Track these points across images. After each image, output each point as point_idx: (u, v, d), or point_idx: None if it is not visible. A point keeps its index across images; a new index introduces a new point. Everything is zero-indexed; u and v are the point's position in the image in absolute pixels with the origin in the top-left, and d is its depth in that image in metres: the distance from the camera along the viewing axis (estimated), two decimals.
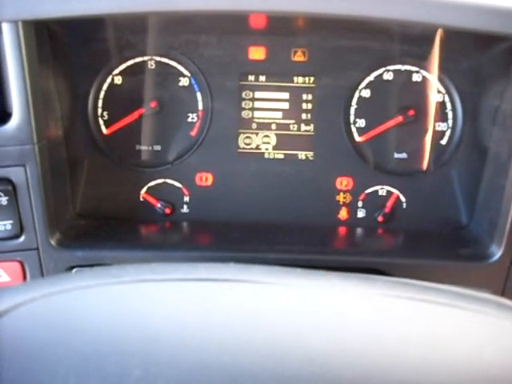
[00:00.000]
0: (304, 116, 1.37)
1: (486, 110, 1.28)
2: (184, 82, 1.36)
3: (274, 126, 1.38)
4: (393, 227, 1.38)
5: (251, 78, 1.36)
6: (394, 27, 1.28)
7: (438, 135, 1.38)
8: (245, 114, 1.37)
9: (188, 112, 1.37)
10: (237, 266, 0.66)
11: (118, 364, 0.52)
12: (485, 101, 1.29)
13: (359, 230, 1.38)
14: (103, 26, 1.30)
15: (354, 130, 1.38)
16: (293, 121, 1.37)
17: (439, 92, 1.36)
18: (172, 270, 0.64)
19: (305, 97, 1.37)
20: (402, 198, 1.39)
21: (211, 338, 0.55)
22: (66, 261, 1.17)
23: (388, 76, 1.36)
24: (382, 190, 1.39)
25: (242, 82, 1.36)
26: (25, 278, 1.16)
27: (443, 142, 1.38)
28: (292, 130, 1.38)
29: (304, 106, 1.37)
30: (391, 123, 1.36)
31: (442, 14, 1.04)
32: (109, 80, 1.35)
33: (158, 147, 1.37)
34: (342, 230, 1.38)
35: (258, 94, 1.37)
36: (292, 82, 1.36)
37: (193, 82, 1.36)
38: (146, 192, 1.38)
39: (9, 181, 1.10)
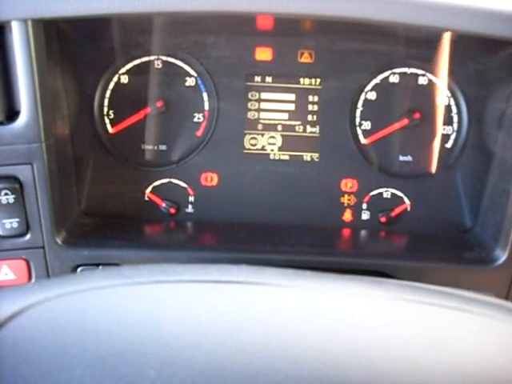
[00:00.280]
0: (310, 117, 1.37)
1: (492, 113, 1.28)
2: (190, 82, 1.36)
3: (279, 127, 1.38)
4: (397, 230, 1.39)
5: (258, 78, 1.36)
6: (401, 30, 1.28)
7: (444, 138, 1.38)
8: (251, 114, 1.37)
9: (194, 112, 1.37)
10: (249, 268, 0.67)
11: (133, 365, 0.52)
12: (491, 105, 1.29)
13: (363, 232, 1.38)
14: (111, 26, 1.30)
15: (359, 132, 1.38)
16: (299, 122, 1.38)
17: (445, 95, 1.36)
18: (185, 271, 0.64)
19: (311, 98, 1.37)
20: (407, 201, 1.39)
21: (225, 339, 0.55)
22: (71, 259, 1.17)
23: (394, 79, 1.36)
24: (387, 192, 1.39)
25: (248, 83, 1.36)
26: (30, 276, 1.16)
27: (448, 145, 1.38)
28: (298, 132, 1.38)
29: (310, 107, 1.37)
30: (397, 126, 1.36)
31: (449, 18, 1.05)
32: (115, 79, 1.35)
33: (163, 147, 1.37)
34: (347, 231, 1.38)
35: (264, 95, 1.37)
36: (298, 83, 1.37)
37: (199, 82, 1.36)
38: (151, 191, 1.38)
39: (16, 179, 1.10)
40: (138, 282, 0.61)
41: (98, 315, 0.58)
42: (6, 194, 1.09)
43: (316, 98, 1.37)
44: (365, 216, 1.40)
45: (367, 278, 0.67)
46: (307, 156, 1.38)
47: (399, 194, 1.39)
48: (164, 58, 1.35)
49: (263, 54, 1.36)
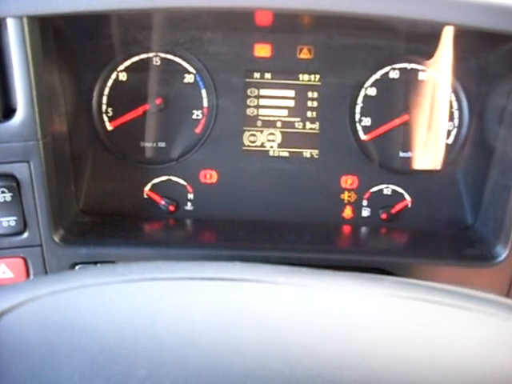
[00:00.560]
0: (309, 114, 1.37)
1: (493, 109, 1.27)
2: (189, 78, 1.35)
3: (279, 124, 1.37)
4: (397, 226, 1.38)
5: (257, 75, 1.36)
6: (401, 25, 1.27)
7: (444, 134, 1.36)
8: (250, 111, 1.37)
9: (193, 109, 1.36)
10: (244, 265, 0.66)
11: (124, 364, 0.51)
12: (491, 100, 1.28)
13: (364, 229, 1.37)
14: (108, 22, 1.29)
15: (359, 128, 1.37)
16: (298, 119, 1.37)
17: (445, 91, 1.35)
18: (179, 269, 0.63)
19: (310, 94, 1.36)
20: (407, 198, 1.38)
21: (218, 338, 0.55)
22: (69, 257, 1.16)
23: (394, 74, 1.35)
24: (387, 188, 1.38)
25: (247, 80, 1.36)
26: (28, 274, 1.16)
27: (449, 141, 1.37)
28: (297, 128, 1.37)
29: (309, 103, 1.36)
30: (397, 122, 1.35)
31: (448, 12, 1.04)
32: (113, 76, 1.34)
33: (162, 144, 1.37)
34: (347, 228, 1.37)
35: (263, 92, 1.36)
36: (297, 79, 1.36)
37: (198, 78, 1.35)
38: (150, 189, 1.38)
39: (13, 177, 1.09)
40: (131, 279, 0.61)
41: (89, 313, 0.57)
42: (2, 192, 1.08)
43: (315, 95, 1.36)
44: (365, 213, 1.39)
45: (364, 275, 0.66)
46: (307, 153, 1.37)
47: (400, 190, 1.38)
48: (162, 55, 1.34)
49: (262, 50, 1.35)
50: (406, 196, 1.38)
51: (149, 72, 1.35)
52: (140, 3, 1.03)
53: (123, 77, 1.35)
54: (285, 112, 1.37)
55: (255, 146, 1.38)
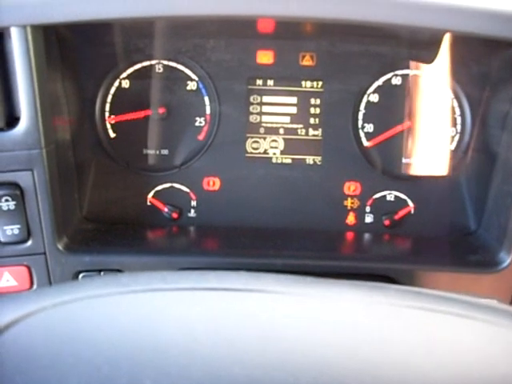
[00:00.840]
0: (312, 120, 1.37)
1: (496, 115, 1.27)
2: (192, 86, 1.35)
3: (281, 131, 1.37)
4: (400, 233, 1.38)
5: (259, 82, 1.36)
6: (403, 32, 1.27)
7: (447, 140, 1.36)
8: (253, 118, 1.37)
9: (195, 116, 1.36)
10: (248, 275, 0.66)
11: (129, 375, 0.51)
12: (494, 106, 1.28)
13: (367, 236, 1.37)
14: (111, 30, 1.29)
15: (362, 134, 1.37)
16: (301, 125, 1.37)
17: (448, 97, 1.35)
18: (183, 279, 0.63)
19: (313, 101, 1.36)
20: (410, 204, 1.38)
21: (222, 348, 0.55)
22: (73, 265, 1.16)
23: (396, 81, 1.35)
24: (390, 195, 1.38)
25: (249, 86, 1.36)
26: (32, 282, 1.16)
27: (452, 147, 1.37)
28: (300, 135, 1.37)
29: (312, 110, 1.36)
30: (399, 128, 1.35)
31: (450, 20, 1.04)
32: (116, 84, 1.35)
33: (165, 151, 1.37)
34: (350, 235, 1.37)
35: (265, 99, 1.36)
36: (300, 86, 1.36)
37: (200, 86, 1.35)
38: (153, 196, 1.38)
39: (16, 185, 1.09)
40: (135, 290, 0.61)
41: (94, 324, 0.57)
42: (6, 201, 1.08)
43: (318, 101, 1.36)
44: (368, 219, 1.39)
45: (367, 284, 0.66)
46: (310, 159, 1.37)
47: (403, 196, 1.38)
48: (165, 63, 1.34)
49: (264, 57, 1.35)
50: (409, 202, 1.38)
51: (151, 79, 1.35)
52: (142, 12, 1.03)
53: (126, 84, 1.35)
54: (287, 119, 1.37)
55: (258, 153, 1.38)
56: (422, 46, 1.32)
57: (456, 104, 1.35)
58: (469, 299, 0.66)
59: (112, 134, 1.36)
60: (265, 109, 1.37)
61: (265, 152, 1.38)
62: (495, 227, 1.24)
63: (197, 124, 1.36)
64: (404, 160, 1.37)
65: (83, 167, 1.32)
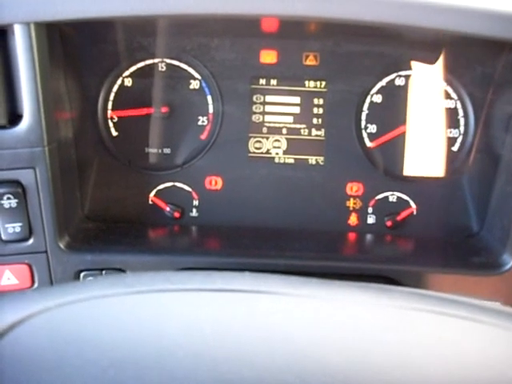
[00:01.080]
0: (315, 121, 1.36)
1: (499, 116, 1.27)
2: (194, 84, 1.35)
3: (284, 131, 1.37)
4: (403, 234, 1.37)
5: (262, 81, 1.35)
6: (407, 32, 1.26)
7: (450, 142, 1.36)
8: (255, 117, 1.36)
9: (198, 115, 1.36)
10: (254, 276, 0.65)
11: (135, 377, 0.51)
12: (497, 107, 1.28)
13: (369, 237, 1.36)
14: (114, 28, 1.29)
15: (365, 135, 1.37)
16: (304, 125, 1.36)
17: (451, 98, 1.35)
18: (188, 280, 0.63)
19: (316, 101, 1.36)
20: (413, 205, 1.37)
21: (229, 350, 0.54)
22: (74, 264, 1.16)
23: (400, 81, 1.35)
24: (393, 196, 1.38)
25: (253, 86, 1.35)
26: (33, 281, 1.15)
27: (455, 148, 1.37)
28: (303, 135, 1.37)
29: (315, 110, 1.36)
30: (402, 129, 1.35)
31: (456, 21, 1.03)
32: (119, 82, 1.34)
33: (167, 150, 1.36)
34: (352, 236, 1.37)
35: (268, 98, 1.36)
36: (303, 86, 1.35)
37: (203, 85, 1.35)
38: (155, 195, 1.37)
39: (18, 183, 1.09)
40: (140, 290, 0.60)
41: (100, 325, 0.57)
42: (8, 199, 1.08)
43: (321, 101, 1.36)
44: (370, 220, 1.38)
45: (373, 286, 0.65)
46: (312, 159, 1.37)
47: (405, 197, 1.37)
48: (168, 61, 1.34)
49: (268, 56, 1.35)
50: (412, 203, 1.38)
51: (154, 78, 1.34)
52: (146, 10, 1.03)
53: (129, 82, 1.34)
54: (290, 119, 1.37)
55: (261, 153, 1.37)
56: (426, 46, 1.32)
57: (459, 105, 1.35)
58: (473, 302, 0.66)
59: (114, 133, 1.36)
60: (268, 108, 1.36)
61: (267, 152, 1.37)
62: (498, 229, 1.24)
63: (199, 123, 1.36)
64: (407, 161, 1.37)
65: (85, 166, 1.31)
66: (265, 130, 1.37)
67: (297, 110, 1.36)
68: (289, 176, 1.37)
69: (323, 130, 1.36)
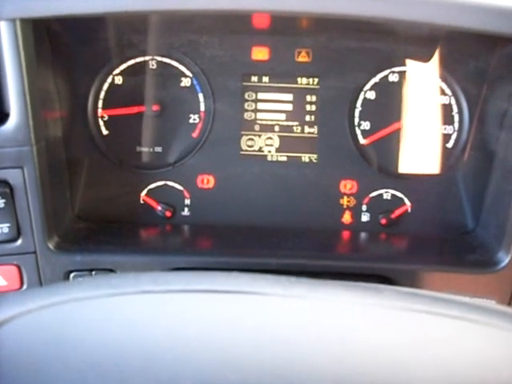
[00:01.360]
0: (308, 118, 1.35)
1: (494, 112, 1.26)
2: (186, 82, 1.33)
3: (277, 128, 1.35)
4: (397, 232, 1.36)
5: (254, 78, 1.34)
6: (400, 28, 1.26)
7: (444, 138, 1.35)
8: (247, 115, 1.35)
9: (189, 113, 1.34)
10: (240, 276, 0.64)
11: (116, 382, 0.49)
12: (492, 103, 1.27)
13: (363, 235, 1.35)
14: (104, 25, 1.27)
15: (358, 132, 1.35)
16: (296, 123, 1.35)
17: (445, 94, 1.34)
18: (174, 281, 0.61)
19: (309, 98, 1.34)
20: (407, 202, 1.36)
21: (215, 354, 0.53)
22: (64, 265, 1.14)
23: (393, 78, 1.34)
24: (387, 193, 1.36)
25: (244, 83, 1.34)
26: (22, 282, 1.14)
27: (449, 145, 1.35)
28: (295, 132, 1.35)
29: (308, 107, 1.35)
30: (396, 126, 1.34)
31: (449, 15, 1.02)
32: (109, 80, 1.32)
33: (158, 149, 1.35)
34: (346, 234, 1.36)
35: (261, 95, 1.34)
36: (296, 82, 1.34)
37: (195, 82, 1.33)
38: (147, 194, 1.36)
39: (6, 183, 1.07)
40: (125, 292, 0.59)
41: (82, 328, 0.55)
42: None
43: (314, 98, 1.34)
44: (365, 218, 1.37)
45: (364, 286, 0.64)
46: (305, 157, 1.36)
47: (399, 195, 1.36)
48: (158, 59, 1.32)
49: (260, 53, 1.33)
50: (406, 201, 1.36)
51: (145, 75, 1.33)
52: (135, 6, 1.01)
53: (119, 80, 1.33)
54: (283, 116, 1.35)
55: (253, 151, 1.36)
56: (420, 42, 1.31)
57: (454, 101, 1.34)
58: (468, 301, 0.64)
59: (105, 131, 1.34)
60: (260, 106, 1.35)
61: (260, 150, 1.36)
62: (493, 226, 1.23)
63: (191, 121, 1.34)
64: (401, 158, 1.36)
65: (75, 165, 1.29)
66: (257, 127, 1.35)
67: (289, 107, 1.35)
68: (281, 174, 1.36)
69: (316, 127, 1.35)
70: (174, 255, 1.19)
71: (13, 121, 1.04)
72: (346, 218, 1.37)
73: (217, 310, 0.58)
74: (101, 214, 1.33)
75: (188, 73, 1.33)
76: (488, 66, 1.27)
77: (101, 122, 1.34)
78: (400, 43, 1.32)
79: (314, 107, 1.34)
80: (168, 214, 1.35)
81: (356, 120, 1.35)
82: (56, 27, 1.17)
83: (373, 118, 1.35)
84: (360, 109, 1.34)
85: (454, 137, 1.35)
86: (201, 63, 1.32)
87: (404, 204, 1.36)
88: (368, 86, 1.34)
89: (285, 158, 1.36)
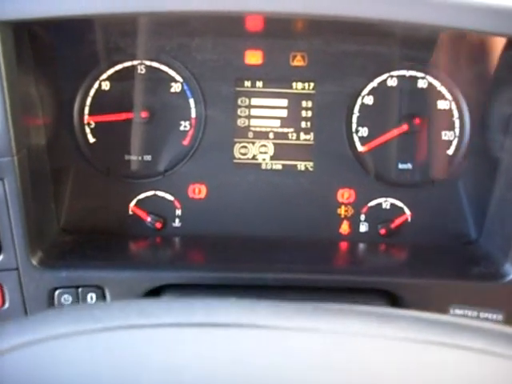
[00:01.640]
0: (303, 124, 1.31)
1: (497, 118, 1.23)
2: (176, 87, 1.30)
3: (271, 135, 1.32)
4: (397, 242, 1.33)
5: (247, 83, 1.31)
6: (399, 30, 1.23)
7: (445, 145, 1.32)
8: (241, 122, 1.31)
9: (180, 120, 1.31)
10: (239, 305, 0.58)
11: None
12: (495, 108, 1.24)
13: (362, 246, 1.32)
14: (90, 27, 1.24)
15: (356, 139, 1.32)
16: (291, 129, 1.32)
17: (446, 99, 1.31)
18: (164, 312, 0.56)
19: (304, 104, 1.31)
20: (407, 211, 1.32)
21: None
22: (48, 282, 1.10)
23: (392, 82, 1.31)
24: (386, 202, 1.33)
25: (237, 88, 1.31)
26: (4, 300, 1.09)
27: (450, 151, 1.32)
28: (291, 139, 1.32)
29: (303, 113, 1.31)
30: (395, 132, 1.30)
31: (447, 16, 1.00)
32: (96, 85, 1.29)
33: (148, 157, 1.31)
34: (344, 245, 1.32)
35: (254, 101, 1.31)
36: (291, 88, 1.31)
37: (185, 87, 1.30)
38: (136, 205, 1.32)
39: None
40: (109, 327, 0.53)
41: (61, 369, 0.49)
42: None
43: (310, 104, 1.31)
44: (363, 228, 1.33)
45: (375, 311, 0.58)
46: (301, 165, 1.32)
47: (399, 204, 1.33)
48: (148, 63, 1.29)
49: (253, 57, 1.30)
50: (406, 210, 1.33)
51: (133, 81, 1.29)
52: (122, 7, 0.98)
53: (106, 86, 1.29)
54: (277, 122, 1.32)
55: (246, 159, 1.32)
56: (419, 45, 1.29)
57: (454, 106, 1.31)
58: (491, 328, 0.59)
59: (91, 139, 1.30)
60: (253, 112, 1.32)
61: (254, 157, 1.32)
62: (498, 236, 1.20)
63: (181, 128, 1.31)
64: (400, 165, 1.33)
65: (60, 175, 1.26)
66: (251, 134, 1.32)
67: (284, 113, 1.32)
68: (276, 183, 1.32)
69: (312, 133, 1.32)
70: (165, 270, 1.15)
71: None
72: (344, 228, 1.33)
73: (213, 347, 0.52)
74: (87, 226, 1.29)
75: (178, 78, 1.29)
76: (489, 70, 1.24)
77: (87, 130, 1.30)
78: (398, 46, 1.30)
79: (309, 113, 1.31)
80: (158, 225, 1.31)
81: (353, 126, 1.32)
82: (38, 30, 1.13)
83: (371, 124, 1.32)
84: (358, 114, 1.31)
85: (454, 143, 1.32)
86: (192, 68, 1.29)
87: (404, 213, 1.33)
88: (366, 91, 1.31)
89: (280, 167, 1.33)
